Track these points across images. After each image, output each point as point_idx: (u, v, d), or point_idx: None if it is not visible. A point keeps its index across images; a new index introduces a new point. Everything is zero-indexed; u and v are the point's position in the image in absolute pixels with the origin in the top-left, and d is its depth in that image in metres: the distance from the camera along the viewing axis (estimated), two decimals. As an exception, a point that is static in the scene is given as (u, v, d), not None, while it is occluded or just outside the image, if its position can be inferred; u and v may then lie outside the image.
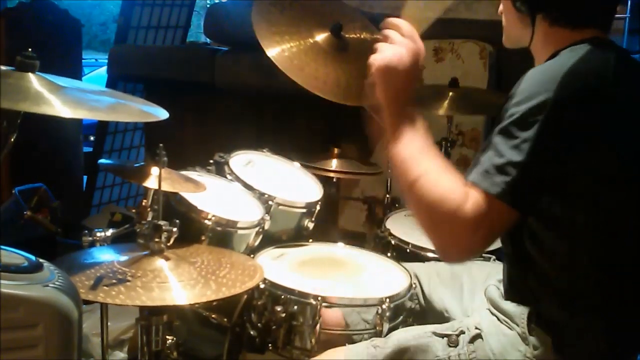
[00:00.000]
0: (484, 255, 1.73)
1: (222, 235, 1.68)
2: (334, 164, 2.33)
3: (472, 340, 1.32)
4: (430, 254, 1.83)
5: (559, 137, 1.14)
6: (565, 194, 1.17)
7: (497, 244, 1.81)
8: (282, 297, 1.52)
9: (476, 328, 1.33)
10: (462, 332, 1.34)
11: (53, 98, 1.11)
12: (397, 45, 1.32)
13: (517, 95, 1.18)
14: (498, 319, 1.33)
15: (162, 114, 1.31)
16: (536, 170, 1.14)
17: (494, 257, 1.71)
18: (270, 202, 1.82)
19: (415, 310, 1.63)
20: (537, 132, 1.12)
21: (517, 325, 1.27)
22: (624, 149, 1.19)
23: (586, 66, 1.18)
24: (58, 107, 1.09)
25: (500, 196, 1.13)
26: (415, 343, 1.35)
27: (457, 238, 1.17)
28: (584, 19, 1.28)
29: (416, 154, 1.26)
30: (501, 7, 1.41)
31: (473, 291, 1.56)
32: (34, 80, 1.13)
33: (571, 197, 1.18)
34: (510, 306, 1.31)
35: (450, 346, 1.32)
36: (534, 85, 1.17)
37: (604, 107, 1.17)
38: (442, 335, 1.34)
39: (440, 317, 1.57)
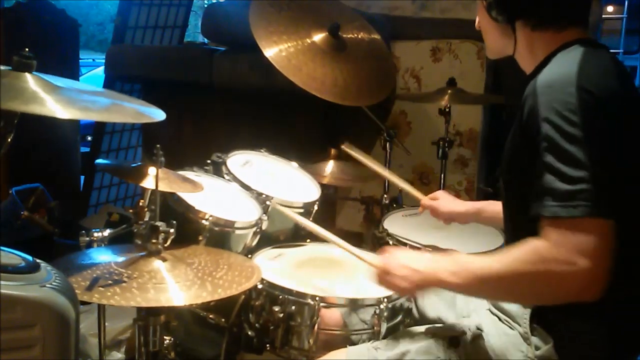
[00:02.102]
0: None
1: (220, 236, 1.68)
2: (331, 164, 2.33)
3: (474, 340, 1.32)
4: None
5: (604, 137, 1.12)
6: None
7: (498, 244, 1.81)
8: (280, 297, 1.52)
9: (477, 328, 1.33)
10: (464, 333, 1.34)
11: (48, 98, 1.09)
12: (392, 271, 1.32)
13: (542, 111, 1.14)
14: (499, 319, 1.33)
15: (159, 114, 1.29)
16: (602, 173, 1.10)
17: None
18: (267, 202, 1.82)
19: (412, 310, 1.63)
20: (584, 138, 1.10)
21: (519, 325, 1.27)
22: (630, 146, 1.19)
23: (594, 69, 1.18)
24: (52, 106, 1.08)
25: (586, 214, 1.08)
26: (416, 344, 1.35)
27: (574, 283, 1.10)
28: (565, 20, 1.29)
29: (482, 270, 1.20)
30: (478, 21, 1.42)
31: None
32: (31, 80, 1.12)
33: None
34: (512, 306, 1.30)
35: (451, 347, 1.32)
36: (555, 97, 1.15)
37: (620, 104, 1.18)
38: (444, 336, 1.34)
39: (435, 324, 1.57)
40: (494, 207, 1.67)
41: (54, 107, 1.08)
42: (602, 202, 1.08)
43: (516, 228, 1.32)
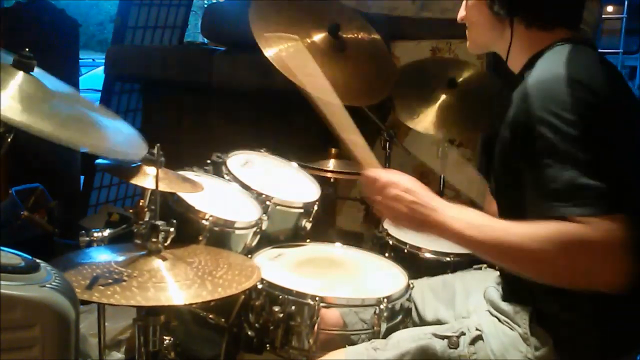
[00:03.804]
0: (475, 265, 1.72)
1: (220, 236, 1.68)
2: (331, 164, 2.33)
3: (473, 341, 1.32)
4: (427, 254, 1.83)
5: (603, 135, 1.12)
6: None
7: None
8: (280, 297, 1.52)
9: (477, 329, 1.33)
10: (463, 334, 1.34)
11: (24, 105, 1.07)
12: (384, 185, 1.28)
13: (536, 111, 1.14)
14: (499, 320, 1.33)
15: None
16: (607, 167, 1.09)
17: (485, 265, 1.70)
18: (267, 202, 1.82)
19: (412, 313, 1.63)
20: (584, 136, 1.09)
21: (519, 326, 1.28)
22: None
23: (582, 63, 1.20)
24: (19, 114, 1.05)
25: (601, 212, 1.05)
26: (415, 345, 1.35)
27: (601, 270, 1.07)
28: (559, 20, 1.31)
29: (490, 226, 1.18)
30: (462, 13, 1.43)
31: (467, 293, 1.55)
32: (22, 80, 1.12)
33: None
34: (510, 307, 1.31)
35: (450, 347, 1.32)
36: (548, 96, 1.14)
37: (611, 102, 1.18)
38: (443, 337, 1.34)
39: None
40: None
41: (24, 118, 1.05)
42: (611, 199, 1.06)
43: None
